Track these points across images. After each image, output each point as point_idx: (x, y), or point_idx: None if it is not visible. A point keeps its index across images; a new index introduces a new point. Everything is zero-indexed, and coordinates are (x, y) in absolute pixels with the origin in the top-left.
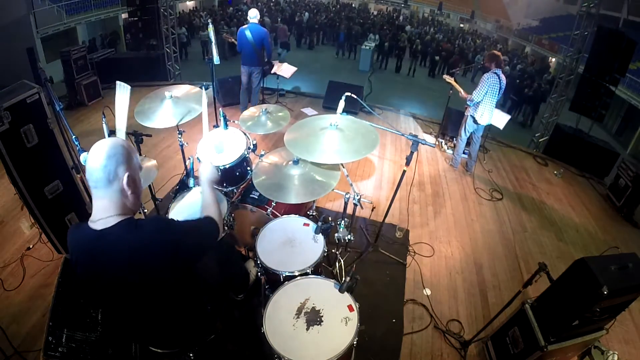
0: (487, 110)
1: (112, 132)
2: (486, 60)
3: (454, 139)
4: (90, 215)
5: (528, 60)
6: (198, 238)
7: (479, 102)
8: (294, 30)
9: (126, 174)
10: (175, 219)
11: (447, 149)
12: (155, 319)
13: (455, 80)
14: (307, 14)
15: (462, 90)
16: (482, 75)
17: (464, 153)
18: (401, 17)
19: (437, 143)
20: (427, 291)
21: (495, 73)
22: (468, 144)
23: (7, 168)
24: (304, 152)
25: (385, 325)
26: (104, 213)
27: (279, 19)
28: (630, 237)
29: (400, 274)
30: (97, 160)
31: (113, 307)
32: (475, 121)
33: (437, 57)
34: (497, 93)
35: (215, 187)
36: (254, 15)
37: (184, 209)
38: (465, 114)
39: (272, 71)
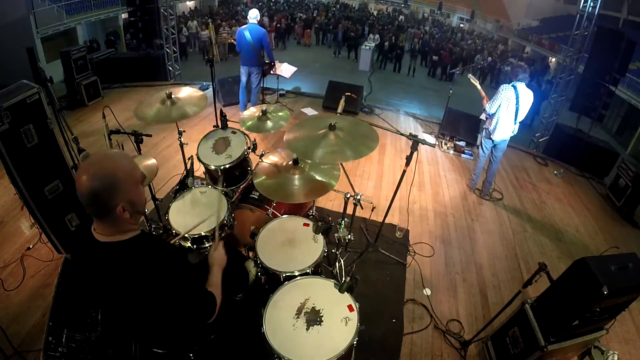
0: (502, 125)
1: (112, 132)
2: (511, 72)
3: (454, 139)
4: (84, 224)
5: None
6: (184, 308)
7: (493, 114)
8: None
9: (119, 206)
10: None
11: (447, 149)
12: (152, 327)
13: (480, 83)
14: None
15: (485, 96)
16: (499, 87)
17: (459, 150)
18: (401, 17)
19: (437, 143)
20: (427, 291)
21: (513, 86)
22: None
23: (7, 168)
24: (304, 152)
25: (385, 325)
26: (104, 232)
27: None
28: (630, 237)
29: (400, 274)
30: (84, 194)
31: (112, 312)
32: (489, 135)
33: (435, 57)
34: (514, 107)
35: (216, 187)
36: (254, 15)
37: (183, 209)
38: (484, 126)
39: (272, 71)
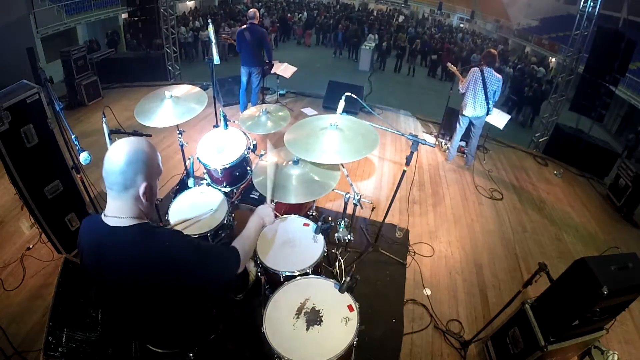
0: (469, 102)
1: (112, 132)
2: (482, 57)
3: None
4: (89, 214)
5: (529, 61)
6: (212, 267)
7: (464, 93)
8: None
9: (144, 184)
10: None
11: (447, 149)
12: (157, 321)
13: (457, 69)
14: (305, 13)
15: (461, 78)
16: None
17: (459, 150)
18: (401, 18)
19: (437, 143)
20: (427, 291)
21: (480, 69)
22: (467, 136)
23: (7, 168)
24: (304, 152)
25: (385, 325)
26: (117, 212)
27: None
28: (630, 237)
29: (400, 274)
30: (116, 163)
31: (113, 306)
32: (463, 112)
33: (434, 57)
34: (481, 88)
35: (215, 187)
36: (252, 15)
37: (183, 209)
38: (461, 104)
39: (272, 71)
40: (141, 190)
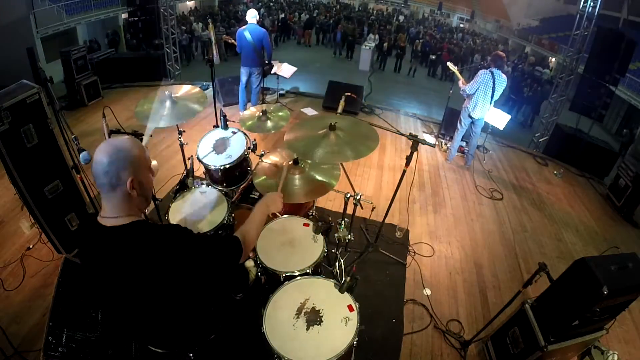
0: (479, 104)
1: (112, 132)
2: (490, 59)
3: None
4: (90, 214)
5: (528, 61)
6: (213, 258)
7: (471, 95)
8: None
9: (130, 179)
10: (177, 221)
11: (447, 149)
12: (157, 320)
13: (459, 70)
14: (305, 13)
15: (461, 78)
16: (478, 71)
17: (459, 150)
18: (401, 17)
19: (437, 143)
20: (427, 291)
21: (491, 71)
22: (467, 136)
23: (7, 168)
24: (304, 152)
25: (385, 325)
26: (112, 213)
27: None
28: (630, 237)
29: (400, 274)
30: (99, 165)
31: (114, 306)
32: (469, 114)
33: (432, 57)
34: (491, 90)
35: (215, 187)
36: (252, 15)
37: (183, 209)
38: (463, 105)
39: (272, 71)
40: (128, 185)
